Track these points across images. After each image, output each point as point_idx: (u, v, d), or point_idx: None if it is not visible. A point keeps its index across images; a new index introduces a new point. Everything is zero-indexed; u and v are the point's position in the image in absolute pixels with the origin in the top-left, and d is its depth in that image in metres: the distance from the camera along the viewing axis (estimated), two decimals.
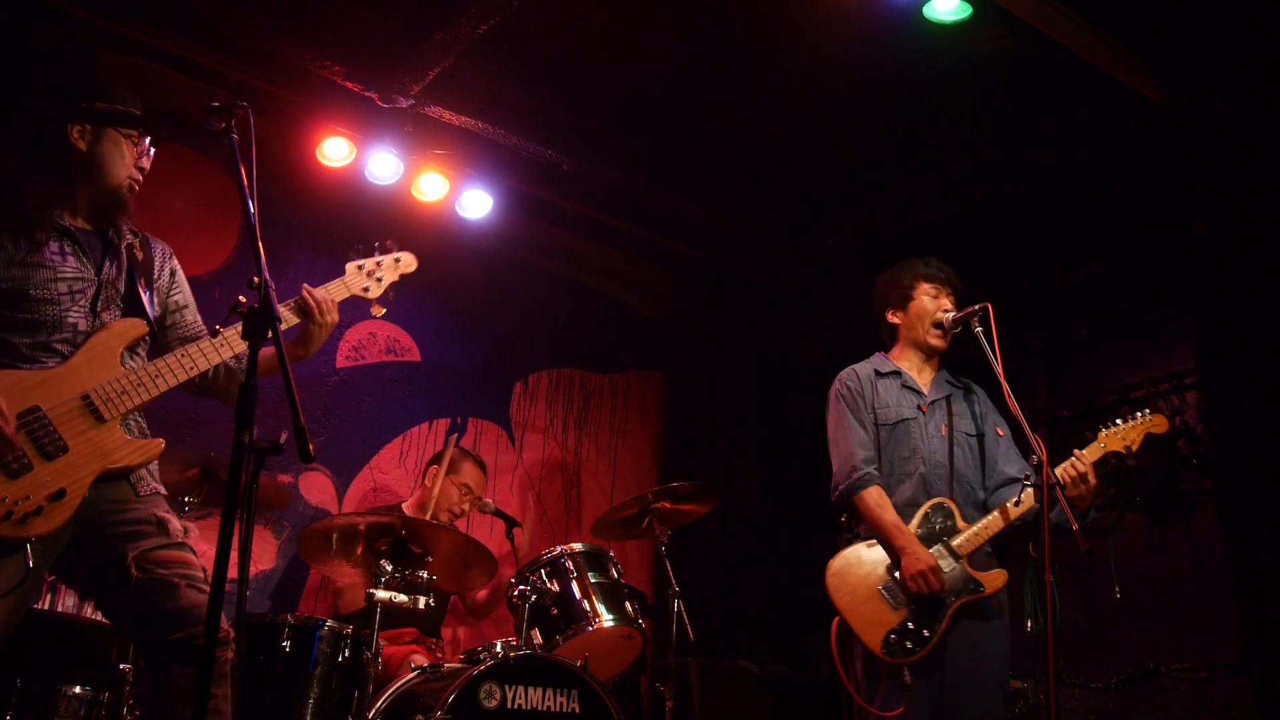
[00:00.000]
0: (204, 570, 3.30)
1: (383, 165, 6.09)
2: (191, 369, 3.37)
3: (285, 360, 2.71)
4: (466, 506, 5.79)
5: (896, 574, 4.28)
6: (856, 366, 4.74)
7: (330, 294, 3.67)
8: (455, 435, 6.08)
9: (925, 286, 4.68)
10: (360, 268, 3.83)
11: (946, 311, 4.63)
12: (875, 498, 4.41)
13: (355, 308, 6.45)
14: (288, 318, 3.55)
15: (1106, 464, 4.30)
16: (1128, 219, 6.36)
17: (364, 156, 6.09)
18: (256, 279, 2.80)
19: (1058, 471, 4.17)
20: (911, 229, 6.80)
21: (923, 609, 4.23)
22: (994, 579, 4.26)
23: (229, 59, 5.67)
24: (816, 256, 7.39)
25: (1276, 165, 5.62)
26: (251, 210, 2.90)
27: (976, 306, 4.44)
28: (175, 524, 3.35)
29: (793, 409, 7.65)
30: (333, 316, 3.63)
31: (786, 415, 7.72)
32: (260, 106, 5.68)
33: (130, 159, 3.49)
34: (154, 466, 3.43)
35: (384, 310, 3.89)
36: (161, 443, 3.37)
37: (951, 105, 6.00)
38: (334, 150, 6.09)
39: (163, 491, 3.44)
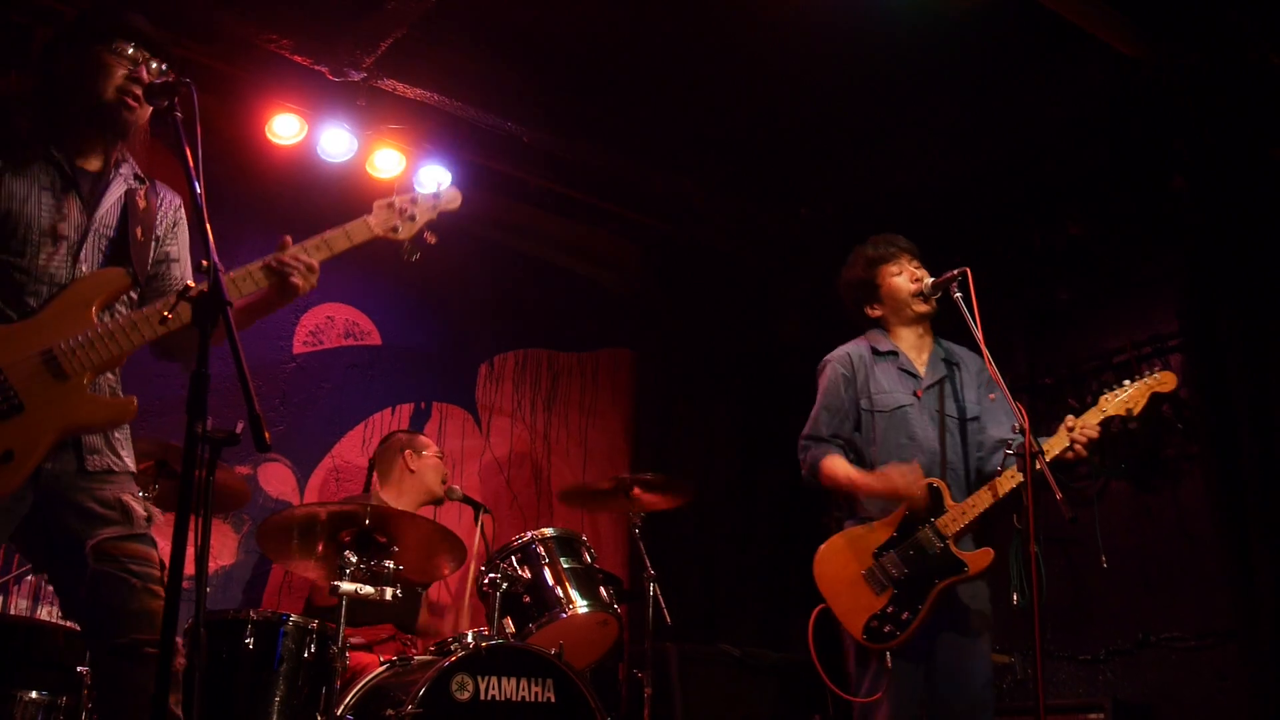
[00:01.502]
0: (163, 567, 3.15)
1: (335, 142, 6.05)
2: (175, 321, 3.07)
3: (238, 346, 2.66)
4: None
5: (883, 558, 4.32)
6: (850, 348, 4.72)
7: (351, 236, 3.41)
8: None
9: (885, 268, 4.68)
10: (390, 205, 3.52)
11: (920, 279, 4.62)
12: (833, 464, 4.48)
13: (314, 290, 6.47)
14: (258, 278, 3.26)
15: (1106, 429, 4.31)
16: (1106, 178, 6.39)
17: (315, 133, 6.05)
18: (205, 262, 2.76)
19: (1075, 436, 4.22)
20: (885, 194, 6.82)
21: (906, 592, 4.26)
22: (978, 559, 4.26)
23: (171, 34, 5.58)
24: (789, 226, 7.39)
25: (1255, 120, 5.66)
26: (198, 192, 2.87)
27: (955, 271, 4.43)
28: (139, 510, 3.19)
29: (768, 383, 7.67)
30: (311, 281, 3.31)
31: (762, 390, 7.74)
32: (205, 83, 5.63)
33: (121, 74, 3.26)
34: (126, 438, 3.28)
35: (417, 255, 3.53)
36: (133, 401, 3.17)
37: (923, 66, 6.00)
38: (284, 127, 6.05)
39: (133, 469, 3.27)
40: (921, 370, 4.63)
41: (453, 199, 3.64)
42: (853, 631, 4.26)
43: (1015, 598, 4.30)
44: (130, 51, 3.29)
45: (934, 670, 4.28)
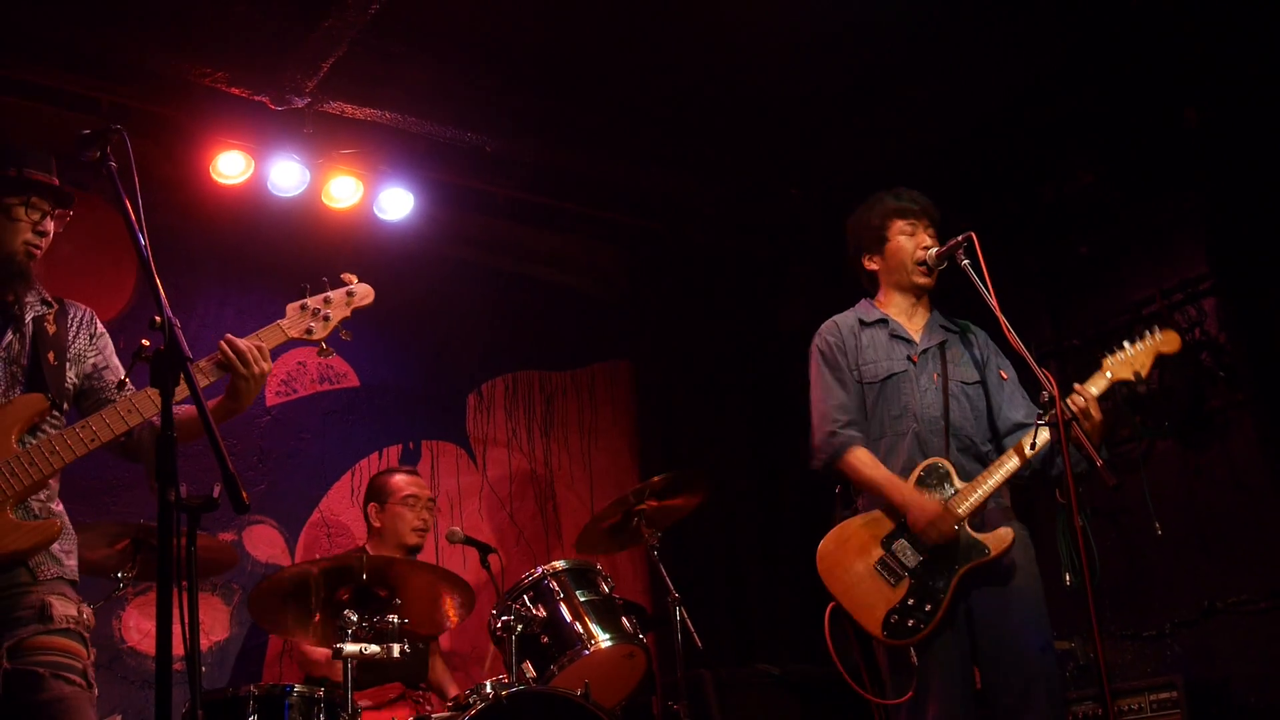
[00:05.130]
0: (83, 661, 3.34)
1: (286, 175, 6.06)
2: (92, 441, 3.36)
3: (203, 404, 2.71)
4: (427, 516, 5.83)
5: (894, 545, 4.30)
6: (838, 317, 4.76)
7: (263, 340, 3.63)
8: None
9: (899, 224, 4.69)
10: (303, 308, 3.75)
11: (927, 248, 4.63)
12: (861, 457, 4.44)
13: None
14: (208, 372, 3.52)
15: (1117, 394, 4.30)
16: (1113, 118, 6.38)
17: (264, 168, 6.06)
18: (158, 318, 2.80)
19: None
20: (879, 165, 6.79)
21: (924, 581, 4.24)
22: (999, 540, 4.24)
23: (97, 80, 5.64)
24: (781, 210, 7.39)
25: (1267, 36, 5.64)
26: (143, 244, 2.90)
27: (960, 237, 4.43)
28: (61, 610, 3.34)
29: (777, 380, 7.67)
30: (262, 366, 3.57)
31: (771, 388, 7.73)
32: (139, 127, 5.64)
33: (26, 225, 3.50)
34: (63, 546, 3.44)
35: (332, 353, 3.82)
36: (56, 524, 3.38)
37: (903, 20, 5.97)
38: (229, 166, 6.06)
39: (68, 575, 3.44)
40: (916, 335, 4.65)
41: (365, 295, 3.88)
42: (870, 629, 4.22)
43: (1067, 578, 4.29)
44: (36, 202, 3.52)
45: (979, 651, 4.26)
